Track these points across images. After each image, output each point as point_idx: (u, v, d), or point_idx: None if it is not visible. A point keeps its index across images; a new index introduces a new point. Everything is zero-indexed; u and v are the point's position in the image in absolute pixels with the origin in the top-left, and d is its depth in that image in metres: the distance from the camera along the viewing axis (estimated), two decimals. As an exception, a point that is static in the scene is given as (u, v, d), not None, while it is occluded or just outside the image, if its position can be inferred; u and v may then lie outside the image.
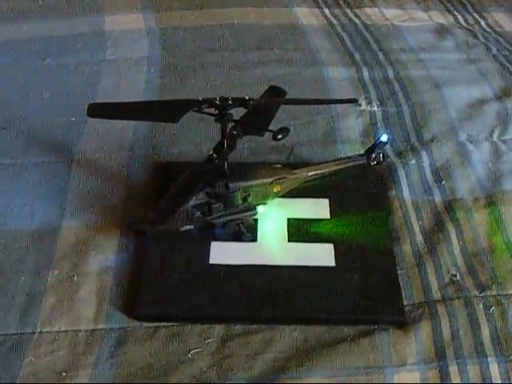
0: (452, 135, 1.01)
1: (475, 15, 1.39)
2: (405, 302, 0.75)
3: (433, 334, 0.72)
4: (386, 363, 0.69)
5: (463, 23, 1.36)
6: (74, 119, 1.03)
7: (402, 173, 0.93)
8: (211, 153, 0.77)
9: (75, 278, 0.78)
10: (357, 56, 1.22)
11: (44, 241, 0.83)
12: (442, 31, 1.32)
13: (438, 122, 1.04)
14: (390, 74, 1.17)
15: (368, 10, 1.39)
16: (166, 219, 0.77)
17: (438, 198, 0.89)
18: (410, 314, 0.74)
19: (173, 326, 0.72)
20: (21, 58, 1.21)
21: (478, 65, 1.20)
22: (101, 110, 0.77)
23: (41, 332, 0.72)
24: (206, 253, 0.79)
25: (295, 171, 0.83)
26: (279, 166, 0.84)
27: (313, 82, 1.14)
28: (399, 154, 0.97)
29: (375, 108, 1.07)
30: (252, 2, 1.41)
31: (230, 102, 0.72)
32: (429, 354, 0.70)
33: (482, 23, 1.36)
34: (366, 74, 1.16)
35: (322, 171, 0.85)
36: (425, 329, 0.72)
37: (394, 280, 0.77)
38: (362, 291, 0.75)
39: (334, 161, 0.86)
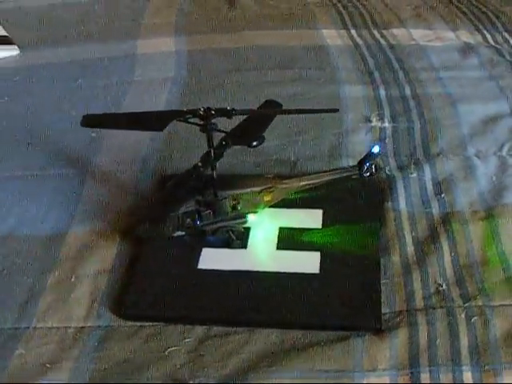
0: (460, 150, 1.01)
1: (505, 34, 1.38)
2: (385, 310, 0.76)
3: (408, 342, 0.72)
4: (356, 368, 0.69)
5: (491, 42, 1.35)
6: (94, 135, 1.09)
7: (400, 185, 0.93)
8: (197, 162, 0.81)
9: (73, 280, 0.82)
10: (376, 75, 1.23)
11: (51, 245, 0.88)
12: (467, 50, 1.31)
13: (447, 138, 1.04)
14: (407, 91, 1.18)
15: (395, 31, 1.41)
16: (157, 226, 0.81)
17: (435, 211, 0.90)
18: (388, 321, 0.74)
19: (156, 325, 0.75)
20: (57, 79, 1.29)
21: (499, 81, 1.19)
22: (94, 121, 0.82)
23: (35, 327, 0.76)
24: (196, 258, 0.82)
25: (285, 181, 0.85)
26: (270, 176, 0.86)
27: (327, 100, 1.16)
28: (401, 168, 0.97)
29: (386, 124, 1.08)
30: (280, 26, 1.46)
31: (213, 112, 0.76)
32: (402, 360, 0.70)
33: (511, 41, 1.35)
34: (382, 92, 1.18)
35: (313, 181, 0.86)
36: (401, 336, 0.72)
37: (375, 288, 0.77)
38: (342, 298, 0.76)
39: (326, 172, 0.87)
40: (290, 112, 0.90)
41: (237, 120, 0.81)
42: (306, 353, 0.71)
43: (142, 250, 0.84)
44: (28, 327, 0.76)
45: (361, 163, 0.87)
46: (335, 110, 0.84)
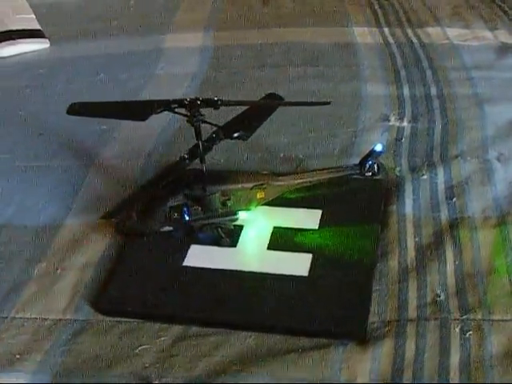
0: (480, 153, 0.95)
1: (547, 35, 1.30)
2: (374, 319, 0.71)
3: (393, 354, 0.66)
4: (332, 379, 0.64)
5: (532, 42, 1.28)
6: (105, 127, 1.08)
7: (409, 187, 0.88)
8: (184, 154, 0.78)
9: (58, 271, 0.80)
10: (402, 73, 1.18)
11: (44, 236, 0.86)
12: (503, 50, 1.24)
13: (469, 140, 0.98)
14: (433, 91, 1.12)
15: (430, 30, 1.35)
16: (143, 221, 0.78)
17: (443, 216, 0.84)
18: (375, 331, 0.69)
19: (132, 322, 0.72)
20: (80, 72, 1.29)
21: (533, 83, 1.12)
22: (80, 109, 0.80)
23: (13, 317, 0.75)
24: (183, 255, 0.79)
25: (280, 178, 0.81)
26: (264, 172, 0.83)
27: (348, 97, 1.12)
28: (413, 169, 0.92)
29: (405, 124, 1.03)
30: (311, 23, 1.42)
31: (199, 102, 0.73)
32: (383, 374, 0.64)
33: (555, 42, 1.27)
34: (406, 91, 1.12)
35: (309, 179, 0.82)
36: (386, 347, 0.67)
37: (365, 295, 0.72)
38: (327, 303, 0.71)
39: (325, 169, 0.83)
40: (280, 105, 0.86)
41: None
42: (281, 359, 0.67)
43: (129, 244, 0.82)
44: (6, 317, 0.75)
45: (362, 162, 0.82)
46: (327, 103, 0.79)
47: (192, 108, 0.73)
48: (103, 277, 0.79)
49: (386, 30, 1.36)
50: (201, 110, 0.74)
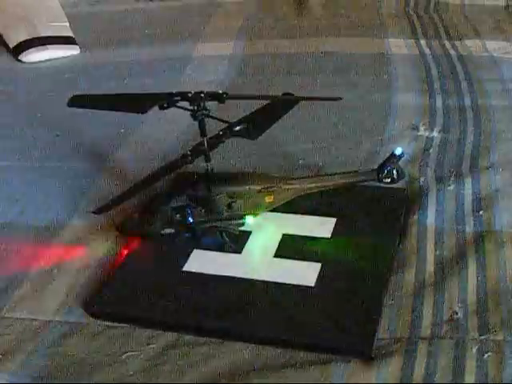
0: (514, 165, 0.88)
1: None
2: (384, 335, 0.64)
3: (400, 374, 0.60)
4: (331, 397, 0.59)
5: None
6: (122, 131, 1.05)
7: (432, 198, 0.82)
8: (187, 152, 0.73)
9: (55, 271, 0.77)
10: (436, 84, 1.12)
11: (46, 235, 0.83)
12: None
13: (502, 151, 0.91)
14: (467, 102, 1.06)
15: (469, 42, 1.29)
16: (144, 222, 0.74)
17: (469, 229, 0.77)
18: (383, 348, 0.63)
19: (124, 327, 0.68)
20: (105, 78, 1.27)
21: None
22: (81, 101, 0.77)
23: (3, 317, 0.71)
24: (184, 260, 0.74)
25: (291, 181, 0.76)
26: (275, 175, 0.78)
27: (377, 106, 1.06)
28: (439, 179, 0.86)
29: (435, 134, 0.97)
30: (346, 34, 1.37)
31: (203, 96, 0.68)
32: (388, 395, 0.59)
33: None
34: (439, 101, 1.07)
35: (322, 184, 0.76)
36: (393, 366, 0.61)
37: (375, 309, 0.66)
38: (333, 316, 0.65)
39: (339, 174, 0.77)
40: (289, 100, 0.80)
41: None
42: (275, 374, 0.61)
43: (131, 247, 0.78)
44: (-4, 316, 0.72)
45: (380, 167, 0.76)
46: (339, 98, 0.74)
47: (196, 101, 0.68)
48: (100, 279, 0.75)
49: (423, 41, 1.30)
50: (207, 105, 0.70)
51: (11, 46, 1.42)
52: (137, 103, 0.71)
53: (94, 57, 1.39)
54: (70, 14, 1.54)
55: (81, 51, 1.42)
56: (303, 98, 0.84)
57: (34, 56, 1.39)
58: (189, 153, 0.72)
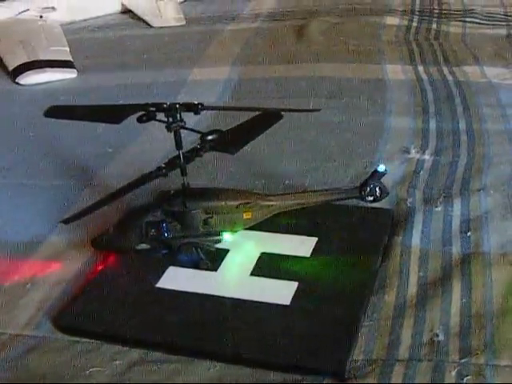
0: (506, 188, 0.85)
1: None
2: (359, 357, 0.61)
3: (374, 397, 0.57)
4: (298, 420, 0.55)
5: None
6: (110, 150, 1.04)
7: (418, 219, 0.79)
8: (162, 164, 0.71)
9: (28, 286, 0.75)
10: (431, 108, 1.10)
11: (23, 252, 0.81)
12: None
13: (494, 174, 0.89)
14: (462, 126, 1.04)
15: (467, 68, 1.27)
16: (118, 237, 0.72)
17: (455, 250, 0.74)
18: (357, 370, 0.60)
19: (92, 343, 0.66)
20: (98, 100, 1.25)
21: None
22: (57, 112, 0.76)
23: (-29, 331, 0.69)
24: (158, 276, 0.72)
25: (270, 198, 0.74)
26: (254, 191, 0.75)
27: (368, 129, 1.05)
28: (427, 201, 0.83)
29: (426, 157, 0.95)
30: (343, 60, 1.36)
31: (178, 106, 0.67)
32: (359, 418, 0.55)
33: None
34: (432, 124, 1.05)
35: (302, 201, 0.74)
36: (365, 388, 0.58)
37: (350, 329, 0.63)
38: (306, 336, 0.62)
39: (320, 191, 0.75)
40: (264, 110, 0.79)
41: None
42: (242, 394, 0.58)
43: (106, 262, 0.75)
44: (-36, 330, 0.69)
45: (363, 184, 0.74)
46: (317, 110, 0.72)
47: (170, 111, 0.67)
48: (72, 294, 0.73)
49: (421, 68, 1.28)
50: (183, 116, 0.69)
51: (10, 68, 1.43)
52: (112, 114, 0.70)
53: (90, 80, 1.39)
54: (71, 40, 1.55)
55: (78, 75, 1.41)
56: (281, 110, 0.82)
57: (31, 78, 1.39)
58: (163, 165, 0.70)
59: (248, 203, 0.72)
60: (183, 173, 0.71)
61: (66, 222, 0.75)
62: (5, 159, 1.06)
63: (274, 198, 0.74)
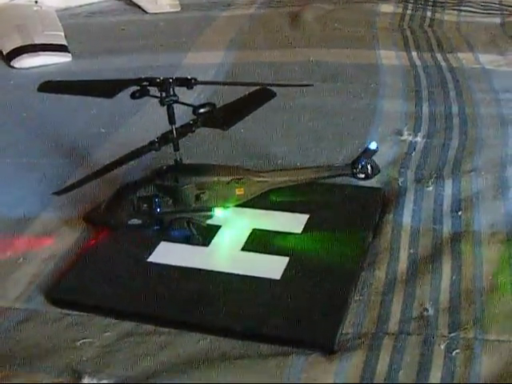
0: (498, 169, 0.85)
1: None
2: (348, 330, 0.62)
3: (362, 369, 0.57)
4: (287, 388, 0.56)
5: None
6: (103, 130, 1.04)
7: (410, 197, 0.79)
8: (155, 139, 0.71)
9: (20, 261, 0.75)
10: (424, 93, 1.10)
11: (17, 228, 0.81)
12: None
13: (487, 157, 0.89)
14: (454, 110, 1.04)
15: (461, 55, 1.27)
16: (110, 212, 0.72)
17: (446, 229, 0.75)
18: (347, 342, 0.60)
19: (82, 315, 0.66)
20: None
21: None
22: (51, 87, 0.76)
23: (-38, 305, 0.69)
24: (149, 251, 0.72)
25: (262, 174, 0.74)
26: (246, 168, 0.76)
27: (361, 112, 1.05)
28: (419, 180, 0.83)
29: (418, 139, 0.95)
30: (337, 45, 1.36)
31: (171, 81, 0.67)
32: (348, 387, 0.56)
33: None
34: (425, 108, 1.05)
35: (294, 178, 0.74)
36: (355, 361, 0.58)
37: (340, 303, 0.63)
38: (296, 309, 0.63)
39: (312, 168, 0.75)
40: (256, 84, 0.79)
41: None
42: (230, 365, 0.58)
43: (98, 237, 0.76)
44: (-45, 303, 0.69)
45: (354, 161, 0.74)
46: (310, 85, 0.73)
47: (164, 85, 0.67)
48: (64, 269, 0.73)
49: (414, 53, 1.29)
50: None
51: (5, 52, 1.43)
52: (105, 88, 0.70)
53: (84, 64, 1.39)
54: (66, 25, 1.55)
55: (73, 59, 1.41)
56: (276, 85, 0.82)
57: (25, 62, 1.39)
58: (156, 140, 0.71)
59: (240, 179, 0.73)
60: (176, 148, 0.71)
61: (58, 193, 0.75)
62: (-2, 138, 1.06)
63: (267, 174, 0.75)
